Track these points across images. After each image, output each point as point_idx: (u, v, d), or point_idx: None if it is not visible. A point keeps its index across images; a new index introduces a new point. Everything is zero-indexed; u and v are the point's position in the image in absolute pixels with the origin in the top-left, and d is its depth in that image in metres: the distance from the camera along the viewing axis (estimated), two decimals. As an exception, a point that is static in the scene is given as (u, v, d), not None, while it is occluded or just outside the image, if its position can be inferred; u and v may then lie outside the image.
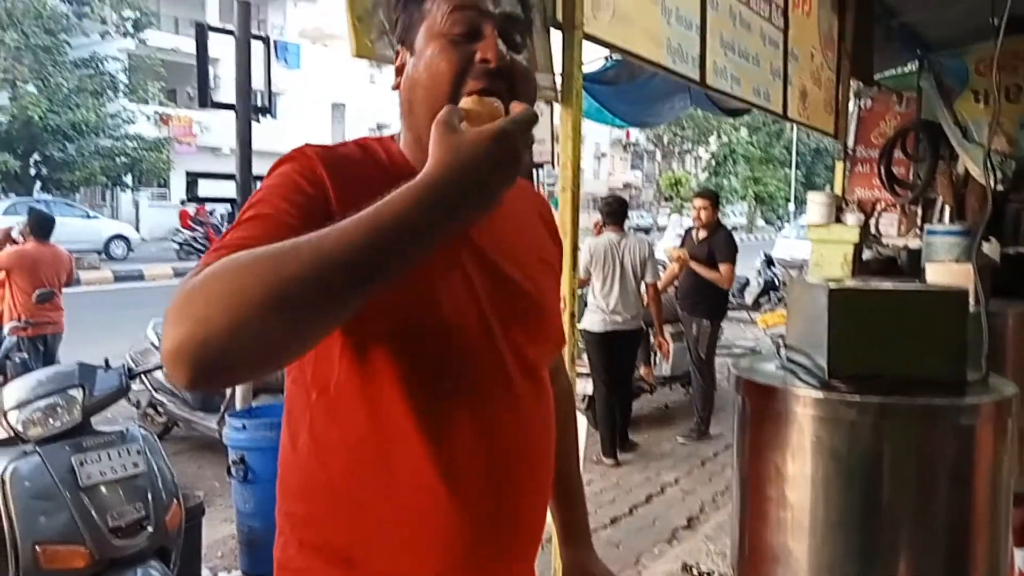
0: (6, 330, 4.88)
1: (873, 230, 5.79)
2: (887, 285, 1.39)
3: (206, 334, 0.65)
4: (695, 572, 3.02)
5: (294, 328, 0.69)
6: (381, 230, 0.69)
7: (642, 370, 5.49)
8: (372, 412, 0.88)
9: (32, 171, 18.91)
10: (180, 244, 17.52)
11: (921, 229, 5.68)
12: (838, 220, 4.96)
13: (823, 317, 1.22)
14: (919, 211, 6.10)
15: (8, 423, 2.51)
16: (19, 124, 17.71)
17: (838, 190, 5.46)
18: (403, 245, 0.70)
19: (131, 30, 20.01)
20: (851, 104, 5.57)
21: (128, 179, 20.93)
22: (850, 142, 5.71)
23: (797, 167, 35.65)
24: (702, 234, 5.46)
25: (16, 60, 17.35)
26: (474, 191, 0.73)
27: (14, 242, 5.41)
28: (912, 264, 5.39)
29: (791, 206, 34.42)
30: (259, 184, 0.92)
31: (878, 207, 6.06)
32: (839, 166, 5.48)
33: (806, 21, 4.05)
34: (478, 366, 0.91)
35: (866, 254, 5.28)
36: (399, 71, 0.95)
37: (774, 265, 12.57)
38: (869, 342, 1.23)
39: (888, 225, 6.19)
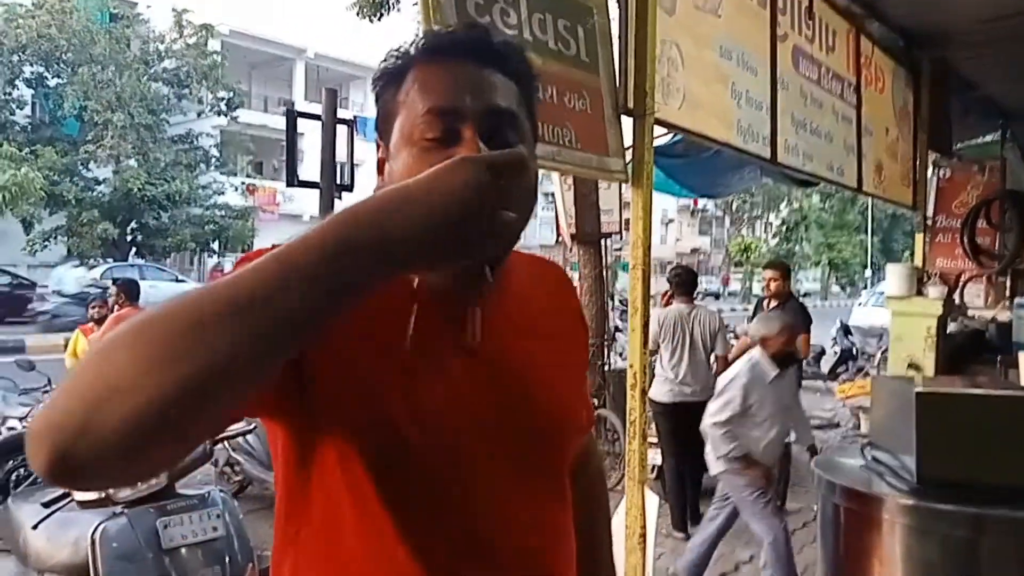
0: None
1: (958, 301, 5.58)
2: (980, 389, 1.34)
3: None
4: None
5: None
6: (283, 269, 0.57)
7: (713, 443, 5.34)
8: (355, 543, 0.78)
9: (128, 238, 20.21)
10: None
11: (1011, 301, 5.44)
12: (919, 292, 4.80)
13: (911, 419, 1.18)
14: (1007, 282, 5.85)
15: (101, 485, 2.65)
16: (120, 195, 19.06)
17: (918, 261, 5.30)
18: (306, 287, 0.57)
19: (224, 109, 21.45)
20: (929, 173, 5.46)
21: (215, 245, 22.06)
22: (929, 212, 5.57)
23: (873, 233, 34.61)
24: (772, 304, 5.36)
25: (121, 138, 18.78)
26: (417, 228, 0.59)
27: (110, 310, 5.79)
28: (1001, 337, 5.14)
29: (867, 272, 33.26)
30: None
31: (963, 278, 5.85)
32: (919, 237, 5.33)
33: (879, 97, 4.04)
34: (478, 488, 0.80)
35: (951, 327, 5.07)
36: (380, 167, 0.85)
37: (851, 334, 12.11)
38: (961, 448, 1.17)
39: (974, 296, 5.95)
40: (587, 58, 2.19)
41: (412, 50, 0.83)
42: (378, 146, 0.86)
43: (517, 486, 0.83)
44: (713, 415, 3.47)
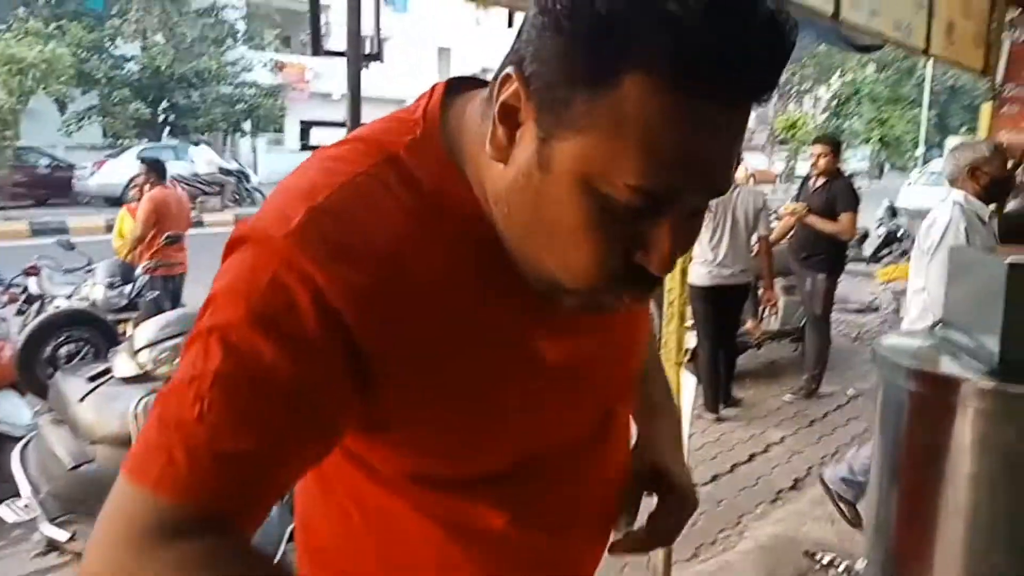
0: (139, 270, 5.24)
1: (1022, 177, 5.25)
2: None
3: None
4: (818, 560, 2.87)
5: None
6: None
7: (749, 324, 5.28)
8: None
9: (161, 118, 20.10)
10: None
11: (1080, 178, 5.09)
12: (981, 168, 4.49)
13: (998, 295, 1.05)
14: (1079, 158, 5.47)
15: (139, 361, 2.70)
16: (149, 73, 18.82)
17: (982, 134, 4.94)
18: None
19: (248, -22, 20.67)
20: (1003, 36, 4.99)
21: (246, 125, 21.88)
22: (998, 79, 5.14)
23: (929, 107, 32.73)
24: (819, 182, 5.11)
25: (146, 11, 18.30)
26: None
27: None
28: (1067, 216, 4.85)
29: (920, 150, 31.80)
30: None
31: (1029, 153, 5.47)
32: (986, 107, 4.95)
33: (959, -56, 3.60)
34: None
35: (1011, 204, 4.80)
36: (505, 113, 0.58)
37: (898, 215, 11.69)
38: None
39: (1039, 173, 5.58)
40: None
41: (656, 32, 0.50)
42: (512, 82, 0.57)
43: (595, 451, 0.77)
44: (934, 279, 2.40)
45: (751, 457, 4.22)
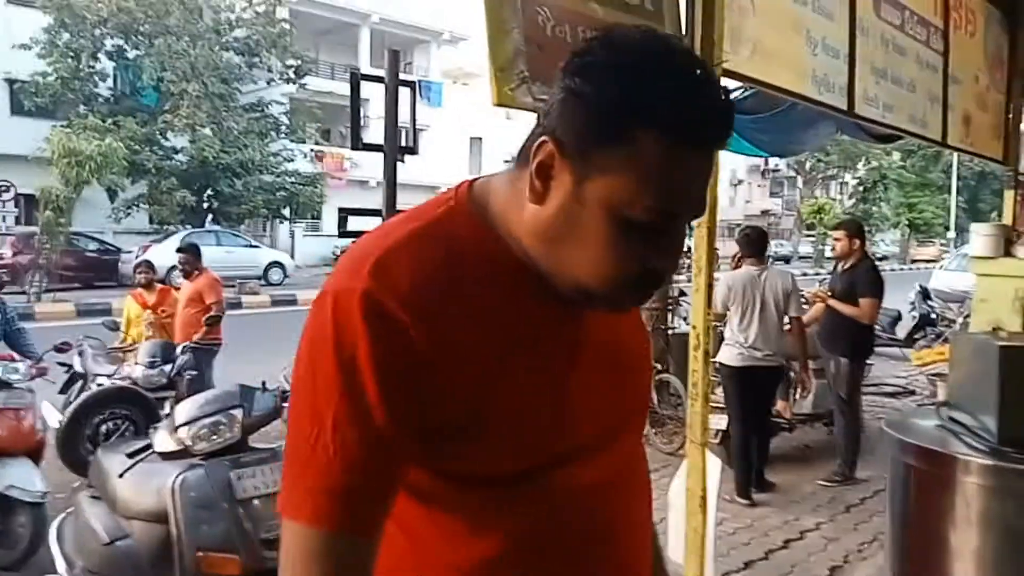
0: (179, 350, 5.40)
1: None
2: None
3: None
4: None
5: None
6: None
7: (779, 405, 5.22)
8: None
9: (205, 205, 20.96)
10: None
11: (1111, 263, 5.06)
12: (1008, 253, 4.52)
13: (992, 376, 1.10)
14: (1108, 243, 5.45)
15: (179, 437, 2.78)
16: (196, 164, 19.75)
17: (1007, 219, 4.98)
18: None
19: (293, 76, 21.82)
20: (1023, 126, 5.10)
21: (286, 212, 22.67)
22: (1022, 167, 5.21)
23: (959, 192, 32.70)
24: (844, 266, 5.16)
25: (196, 107, 19.37)
26: None
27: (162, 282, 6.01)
28: (1101, 302, 4.81)
29: (951, 234, 31.57)
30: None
31: (1057, 238, 5.47)
32: (1008, 195, 5.00)
33: (970, 42, 3.76)
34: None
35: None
36: (542, 170, 0.77)
37: (930, 298, 11.56)
38: (1045, 405, 1.09)
39: (1070, 258, 5.56)
40: (651, 6, 2.10)
41: (654, 103, 0.72)
42: (547, 146, 0.76)
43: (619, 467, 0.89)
44: None
45: (786, 543, 4.10)
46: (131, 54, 20.14)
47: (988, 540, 1.09)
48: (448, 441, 0.77)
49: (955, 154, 26.20)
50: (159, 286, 6.25)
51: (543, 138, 0.76)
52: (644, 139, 0.72)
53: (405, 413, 0.74)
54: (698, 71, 0.74)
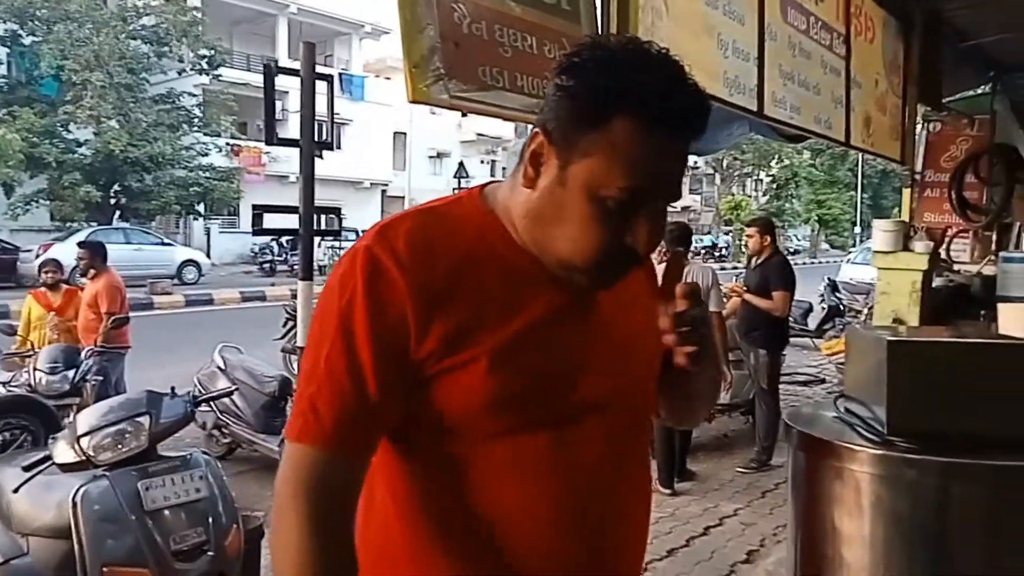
0: (84, 354, 5.12)
1: (944, 256, 5.58)
2: (951, 337, 1.33)
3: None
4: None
5: None
6: None
7: (700, 399, 5.38)
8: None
9: (112, 201, 19.92)
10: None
11: (996, 255, 5.45)
12: (906, 247, 4.79)
13: (882, 369, 1.16)
14: (994, 236, 5.85)
15: (80, 447, 2.63)
16: (102, 157, 18.70)
17: (906, 216, 5.28)
18: None
19: (205, 67, 20.98)
20: (919, 128, 5.41)
21: (200, 208, 21.82)
22: (918, 167, 5.54)
23: (863, 190, 34.56)
24: (757, 261, 5.36)
25: (101, 98, 18.36)
26: None
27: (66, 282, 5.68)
28: (987, 291, 5.16)
29: (857, 229, 33.37)
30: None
31: (949, 232, 5.84)
32: (907, 192, 5.31)
33: (869, 48, 3.96)
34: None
35: (937, 281, 5.08)
36: (534, 159, 0.87)
37: (839, 290, 12.17)
38: (933, 397, 1.16)
39: (960, 251, 5.95)
40: (568, 6, 2.11)
41: (631, 93, 0.80)
42: (538, 136, 0.86)
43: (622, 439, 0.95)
44: None
45: (706, 530, 4.23)
46: (27, 40, 18.94)
47: (878, 526, 1.15)
48: (441, 375, 0.85)
49: (860, 154, 27.66)
50: (65, 287, 5.89)
51: (535, 130, 0.87)
52: (620, 124, 0.80)
53: (390, 349, 0.84)
54: (673, 67, 0.83)
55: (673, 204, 0.88)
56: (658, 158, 0.82)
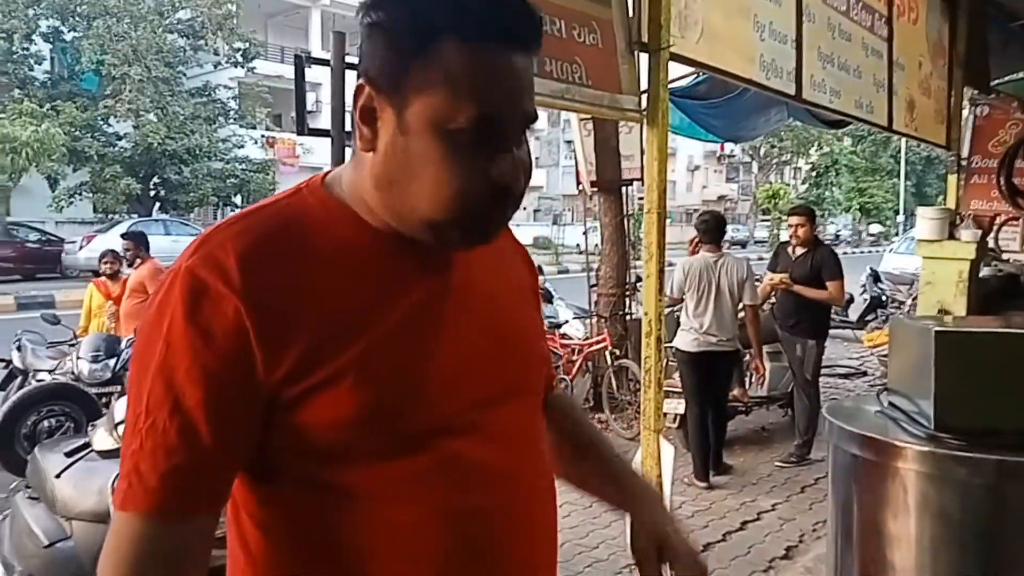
0: (124, 343, 5.23)
1: (992, 245, 5.40)
2: (1001, 327, 1.26)
3: None
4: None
5: None
6: None
7: (736, 391, 5.29)
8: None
9: (151, 193, 20.34)
10: None
11: (1048, 244, 5.26)
12: (952, 236, 4.64)
13: (928, 362, 1.10)
14: (1045, 224, 5.64)
15: (118, 435, 2.68)
16: (141, 150, 19.13)
17: (951, 203, 5.12)
18: None
19: (241, 60, 21.24)
20: (965, 112, 5.23)
21: (237, 199, 22.16)
22: (965, 152, 5.35)
23: (907, 177, 33.67)
24: (799, 251, 5.21)
25: (139, 92, 18.74)
26: None
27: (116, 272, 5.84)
28: (1038, 281, 4.99)
29: (900, 218, 32.55)
30: None
31: (998, 220, 5.65)
32: (952, 179, 5.14)
33: (913, 29, 3.83)
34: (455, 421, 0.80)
35: (984, 271, 4.92)
36: (365, 115, 0.76)
37: (881, 280, 11.89)
38: (983, 391, 1.10)
39: (1010, 240, 5.75)
40: (599, -11, 2.07)
41: (447, 9, 0.73)
42: (364, 89, 0.75)
43: (509, 409, 0.83)
44: None
45: (743, 525, 4.16)
46: (68, 36, 19.37)
47: (925, 527, 1.09)
48: (305, 395, 0.73)
49: (903, 139, 26.87)
50: (123, 276, 6.05)
51: (358, 83, 0.76)
52: (447, 48, 0.72)
53: (225, 384, 0.71)
54: None
55: (531, 126, 0.78)
56: (498, 74, 0.73)
